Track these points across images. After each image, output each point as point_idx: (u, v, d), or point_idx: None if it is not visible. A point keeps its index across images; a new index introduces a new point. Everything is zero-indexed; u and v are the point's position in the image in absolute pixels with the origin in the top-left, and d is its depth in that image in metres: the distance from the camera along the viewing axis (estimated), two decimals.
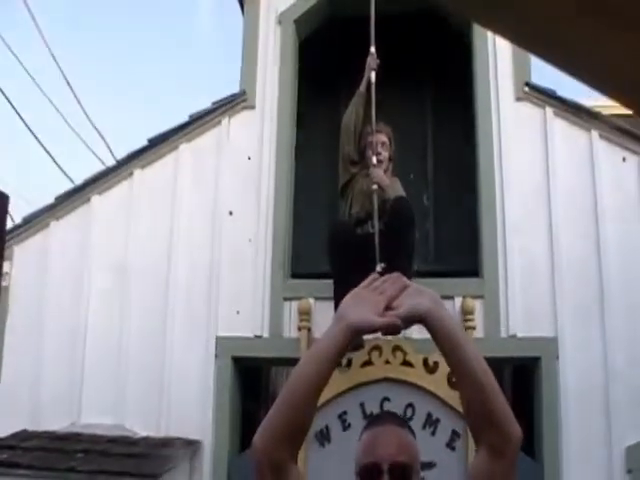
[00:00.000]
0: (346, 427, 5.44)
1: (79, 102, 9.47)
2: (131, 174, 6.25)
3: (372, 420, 2.23)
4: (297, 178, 6.25)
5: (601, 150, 5.92)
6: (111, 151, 9.52)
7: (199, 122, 6.25)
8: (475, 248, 5.95)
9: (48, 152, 9.15)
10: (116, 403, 5.82)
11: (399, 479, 1.90)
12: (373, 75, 5.46)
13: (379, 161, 5.51)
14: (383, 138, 5.64)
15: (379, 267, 5.03)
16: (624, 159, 5.92)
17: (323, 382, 1.77)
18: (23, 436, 5.72)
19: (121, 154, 6.46)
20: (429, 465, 4.95)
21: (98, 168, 6.91)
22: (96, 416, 5.81)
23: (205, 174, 6.17)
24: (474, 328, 5.54)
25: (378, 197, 5.33)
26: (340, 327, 1.78)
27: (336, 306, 5.27)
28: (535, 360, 5.61)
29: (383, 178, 5.45)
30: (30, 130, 8.75)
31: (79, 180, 6.58)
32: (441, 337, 1.79)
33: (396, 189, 5.50)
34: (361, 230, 5.41)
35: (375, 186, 5.34)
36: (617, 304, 5.62)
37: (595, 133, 5.94)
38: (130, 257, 6.08)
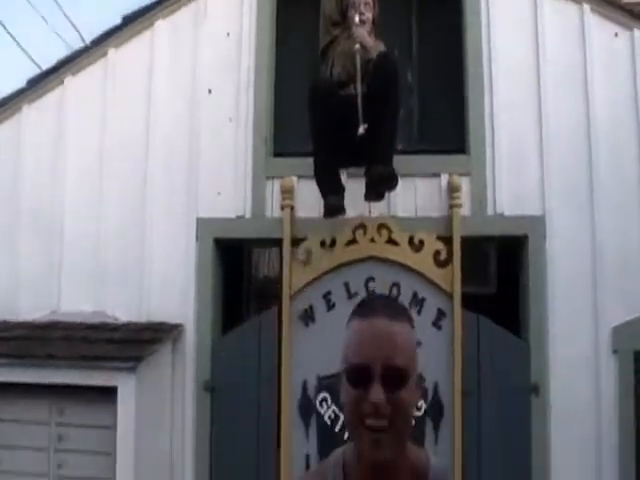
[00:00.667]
0: (330, 307, 5.38)
1: None
2: (105, 54, 6.01)
3: (363, 305, 1.72)
4: (278, 55, 6.00)
5: (593, 25, 5.71)
6: (80, 35, 9.18)
7: None
8: (462, 125, 5.76)
9: (13, 37, 8.80)
10: (96, 290, 5.73)
11: (393, 386, 1.55)
12: None
13: (362, 21, 5.23)
14: None
15: (362, 128, 4.85)
16: (616, 34, 5.72)
17: None
18: (2, 327, 5.64)
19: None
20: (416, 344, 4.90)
21: None
22: (76, 304, 5.74)
23: (183, 51, 5.93)
24: (460, 206, 5.43)
25: (361, 58, 5.07)
26: None
27: (317, 176, 5.12)
28: (522, 239, 5.52)
29: (366, 38, 5.18)
30: None
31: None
32: None
33: (379, 50, 5.24)
34: (344, 92, 5.16)
35: (358, 46, 5.09)
36: (606, 182, 5.51)
37: (587, 7, 5.72)
38: (106, 140, 5.90)
